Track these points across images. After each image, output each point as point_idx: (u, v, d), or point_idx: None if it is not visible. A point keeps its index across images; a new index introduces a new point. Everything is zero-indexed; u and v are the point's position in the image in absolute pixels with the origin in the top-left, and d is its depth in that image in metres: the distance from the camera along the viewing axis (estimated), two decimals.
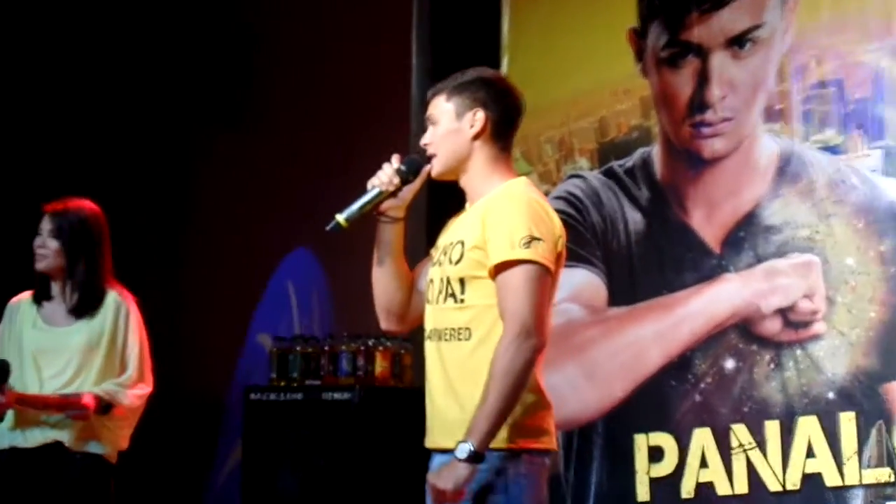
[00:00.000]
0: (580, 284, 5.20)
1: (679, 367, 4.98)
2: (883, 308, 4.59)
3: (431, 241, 3.35)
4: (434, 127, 3.23)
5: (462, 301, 3.12)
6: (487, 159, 3.20)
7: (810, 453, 4.66)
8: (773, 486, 4.73)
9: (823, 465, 4.63)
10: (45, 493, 4.31)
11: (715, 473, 4.86)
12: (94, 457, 4.32)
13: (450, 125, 3.20)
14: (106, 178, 6.57)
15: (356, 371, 5.55)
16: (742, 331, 4.85)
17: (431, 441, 3.18)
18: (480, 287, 3.10)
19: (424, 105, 3.27)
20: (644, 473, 5.04)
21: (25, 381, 4.34)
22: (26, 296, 4.46)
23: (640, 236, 5.19)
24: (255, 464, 5.67)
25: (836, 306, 4.66)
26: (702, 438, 4.91)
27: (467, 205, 3.24)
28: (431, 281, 3.21)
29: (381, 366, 5.53)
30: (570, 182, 5.40)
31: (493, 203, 3.13)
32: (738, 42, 4.91)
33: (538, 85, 5.28)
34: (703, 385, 4.93)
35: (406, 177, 3.23)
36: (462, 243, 3.13)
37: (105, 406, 4.29)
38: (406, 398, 5.02)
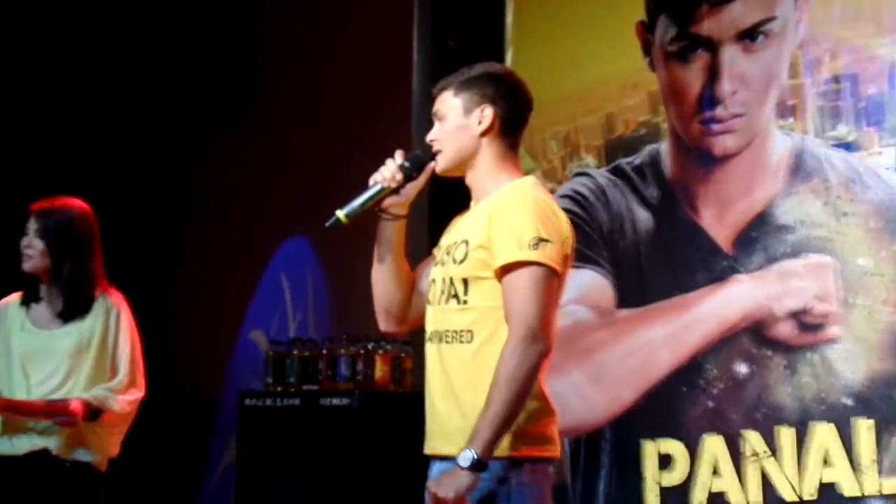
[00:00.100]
0: (587, 286, 5.20)
1: (689, 372, 4.98)
2: None
3: (433, 240, 3.35)
4: (441, 123, 3.23)
5: (465, 302, 3.12)
6: (495, 157, 3.21)
7: (826, 462, 4.66)
8: (788, 495, 4.73)
9: (840, 474, 4.63)
10: (32, 501, 4.30)
11: (727, 482, 4.86)
12: (82, 465, 4.30)
13: (457, 121, 3.21)
14: (101, 177, 6.62)
15: (355, 375, 5.56)
16: (754, 334, 4.86)
17: (431, 447, 3.18)
18: (484, 288, 3.10)
19: (430, 101, 3.27)
20: (653, 482, 5.04)
21: (13, 386, 4.33)
22: (15, 297, 4.46)
23: (648, 236, 5.19)
24: (251, 472, 5.67)
25: (851, 309, 4.66)
26: (713, 446, 4.91)
27: (472, 203, 3.25)
28: (433, 281, 3.21)
29: (380, 370, 5.54)
30: (576, 180, 5.40)
31: (499, 202, 3.13)
32: (749, 35, 4.91)
33: (543, 80, 5.26)
34: (714, 390, 4.94)
35: (409, 173, 3.23)
36: (466, 242, 3.13)
37: (94, 412, 4.27)
38: (407, 403, 5.02)
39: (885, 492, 4.53)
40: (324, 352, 5.68)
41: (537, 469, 3.08)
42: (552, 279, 3.06)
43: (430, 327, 3.22)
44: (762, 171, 4.90)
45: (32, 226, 4.40)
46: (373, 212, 3.23)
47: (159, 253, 7.13)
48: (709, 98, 4.98)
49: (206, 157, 7.03)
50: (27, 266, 4.40)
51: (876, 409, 4.59)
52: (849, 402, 4.63)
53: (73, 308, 4.36)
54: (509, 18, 5.72)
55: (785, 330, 4.81)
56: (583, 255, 5.10)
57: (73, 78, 6.98)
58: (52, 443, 4.29)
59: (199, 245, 7.06)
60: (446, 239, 3.26)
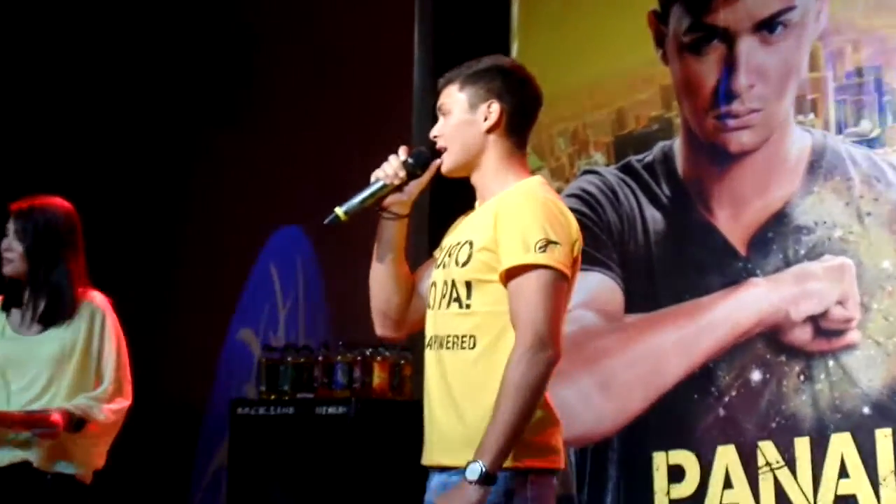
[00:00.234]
0: (595, 289, 5.21)
1: (701, 379, 4.98)
2: None
3: (434, 241, 3.36)
4: (445, 117, 3.24)
5: (468, 306, 3.13)
6: (501, 155, 3.21)
7: (844, 473, 4.65)
8: None
9: (858, 485, 4.62)
10: None
11: (740, 494, 4.86)
12: (65, 477, 4.30)
13: (462, 116, 3.21)
14: (86, 176, 6.67)
15: (352, 383, 5.57)
16: (770, 340, 4.85)
17: (429, 458, 3.18)
18: (488, 292, 3.10)
19: (433, 95, 3.28)
20: (663, 494, 5.04)
21: None
22: None
23: (660, 237, 5.19)
24: (243, 484, 5.68)
25: (871, 313, 4.65)
26: (726, 456, 4.91)
27: (477, 203, 3.25)
28: (434, 284, 3.22)
29: (378, 377, 5.55)
30: (584, 178, 5.41)
31: (506, 202, 3.13)
32: (767, 26, 4.91)
33: (550, 73, 5.24)
34: (727, 399, 4.94)
35: (413, 170, 3.23)
36: (470, 244, 3.14)
37: (77, 422, 4.26)
38: (406, 412, 4.99)
39: None
40: (319, 358, 5.70)
41: (541, 481, 3.08)
42: (561, 283, 3.06)
43: (430, 332, 3.22)
44: (780, 169, 4.90)
45: (11, 227, 4.40)
46: (373, 210, 3.24)
47: (145, 254, 7.19)
48: (724, 92, 4.98)
49: (203, 156, 7.12)
50: (7, 270, 4.40)
51: None
52: (867, 411, 4.62)
53: (56, 313, 4.35)
54: (515, 9, 5.73)
55: (802, 335, 4.80)
56: (591, 257, 5.11)
57: (64, 75, 7.05)
58: (32, 455, 4.28)
59: (187, 244, 7.11)
60: (448, 240, 3.26)
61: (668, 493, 5.04)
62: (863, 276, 4.67)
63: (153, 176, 7.30)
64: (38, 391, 4.33)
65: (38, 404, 4.31)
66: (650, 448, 5.09)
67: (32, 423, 4.25)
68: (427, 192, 3.33)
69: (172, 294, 7.18)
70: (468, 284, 3.13)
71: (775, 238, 4.88)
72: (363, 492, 5.36)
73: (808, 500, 4.72)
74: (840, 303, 4.71)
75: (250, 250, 6.87)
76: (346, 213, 3.19)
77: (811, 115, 4.84)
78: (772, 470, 4.80)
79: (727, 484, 4.90)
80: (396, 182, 3.23)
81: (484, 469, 2.95)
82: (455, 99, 3.22)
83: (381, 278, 3.30)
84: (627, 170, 5.32)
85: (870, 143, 4.71)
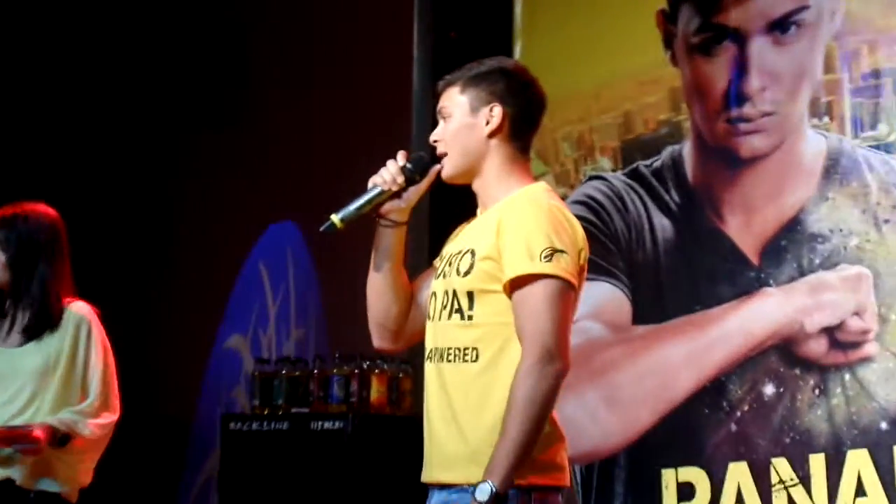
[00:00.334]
0: (601, 300, 5.21)
1: (712, 393, 4.98)
2: None
3: (434, 250, 3.36)
4: (445, 121, 3.23)
5: (470, 318, 3.12)
6: (504, 160, 3.21)
7: (861, 491, 4.65)
8: None
9: (875, 503, 4.62)
10: None
11: None
12: (49, 495, 4.27)
13: (463, 120, 3.21)
14: (69, 182, 6.67)
15: (349, 397, 5.57)
16: (783, 352, 4.85)
17: (429, 475, 3.17)
18: (491, 302, 3.09)
19: (433, 97, 3.28)
20: None
21: None
22: None
23: (669, 245, 5.19)
24: (235, 503, 5.67)
25: (889, 325, 4.66)
26: (738, 474, 4.90)
27: (479, 210, 3.25)
28: (434, 294, 3.21)
29: (376, 391, 5.55)
30: (590, 184, 5.41)
31: (509, 209, 3.13)
32: (779, 26, 4.91)
33: (555, 75, 5.26)
34: (739, 413, 4.93)
35: (412, 176, 3.23)
36: (472, 252, 3.13)
37: (62, 438, 4.24)
38: (405, 427, 5.03)
39: None
40: (315, 371, 5.69)
41: (545, 498, 3.07)
42: (568, 293, 3.05)
43: (430, 344, 3.21)
44: (793, 175, 4.90)
45: None
46: (370, 217, 3.23)
47: (131, 262, 7.21)
48: (736, 94, 4.99)
49: (195, 159, 7.14)
50: None
51: None
52: (885, 426, 4.63)
53: (39, 323, 4.34)
54: (518, 8, 5.74)
55: (817, 348, 4.80)
56: (597, 266, 5.11)
57: (47, 75, 7.07)
58: (15, 472, 4.26)
59: (174, 251, 7.14)
60: (449, 248, 3.25)
61: None
62: (880, 285, 4.68)
63: (139, 181, 7.32)
64: (20, 406, 4.31)
65: (21, 419, 4.29)
66: (659, 465, 5.08)
67: (13, 439, 4.23)
68: (426, 198, 3.33)
69: (160, 302, 7.20)
70: (470, 295, 3.12)
71: (789, 246, 4.88)
72: None
73: None
74: (856, 314, 4.72)
75: (239, 253, 6.89)
76: (341, 220, 3.18)
77: (826, 119, 4.85)
78: (785, 488, 4.79)
79: (739, 502, 4.90)
80: (394, 188, 3.22)
81: (494, 489, 2.95)
82: (456, 102, 3.22)
83: (379, 288, 3.30)
84: (635, 175, 5.32)
85: (887, 147, 4.72)
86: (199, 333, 7.00)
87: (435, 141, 3.25)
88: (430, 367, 3.19)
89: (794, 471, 4.78)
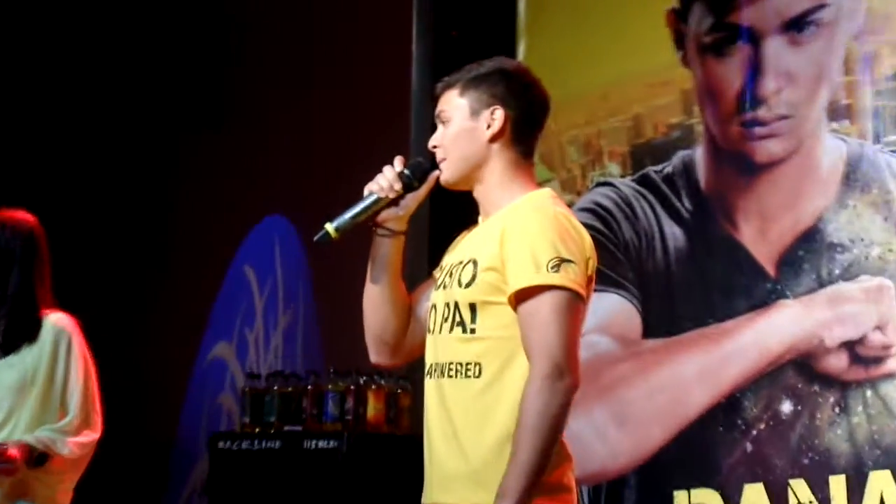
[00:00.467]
0: (610, 312, 5.21)
1: (727, 411, 4.98)
2: None
3: (434, 260, 3.35)
4: (444, 126, 3.23)
5: (472, 331, 3.12)
6: (506, 166, 3.20)
7: None
8: None
9: None
10: None
11: None
12: None
13: (463, 124, 3.20)
14: (55, 189, 6.70)
15: (344, 415, 5.57)
16: (802, 368, 4.85)
17: (429, 497, 3.16)
18: (495, 315, 3.09)
19: (432, 100, 3.27)
20: None
21: None
22: None
23: (680, 255, 5.19)
24: None
25: None
26: (754, 496, 4.90)
27: (480, 218, 3.24)
28: (434, 307, 3.20)
29: (373, 408, 5.55)
30: (598, 191, 5.42)
31: (513, 217, 3.12)
32: (796, 25, 4.92)
33: (560, 76, 5.28)
34: (755, 432, 4.93)
35: (410, 182, 3.22)
36: (474, 263, 3.12)
37: (39, 457, 4.24)
38: (403, 447, 5.02)
39: None
40: (308, 387, 5.70)
41: None
42: (576, 305, 3.05)
43: (430, 359, 3.20)
44: (811, 181, 4.90)
45: None
46: (367, 226, 3.22)
47: (114, 270, 7.23)
48: (750, 97, 4.99)
49: (184, 162, 7.16)
50: None
51: None
52: None
53: (17, 336, 4.33)
54: (521, 5, 5.74)
55: (837, 363, 4.80)
56: (605, 276, 5.11)
57: (28, 76, 7.09)
58: None
59: (157, 259, 7.17)
60: (450, 259, 3.24)
61: None
62: None
63: (126, 186, 7.34)
64: None
65: None
66: (671, 486, 5.08)
67: None
68: (425, 206, 3.32)
69: (143, 313, 7.22)
70: (472, 307, 3.11)
71: (807, 257, 4.89)
72: None
73: None
74: (878, 328, 4.72)
75: (227, 253, 6.92)
76: (336, 229, 3.18)
77: (845, 123, 4.85)
78: None
79: None
80: (392, 195, 3.22)
81: None
82: (455, 105, 3.22)
83: (376, 301, 3.29)
84: (645, 182, 5.32)
85: None
86: (184, 344, 7.02)
87: (434, 146, 3.24)
88: (430, 384, 3.18)
89: (814, 493, 4.78)
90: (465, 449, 3.08)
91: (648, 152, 5.35)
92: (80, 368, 4.35)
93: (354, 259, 3.48)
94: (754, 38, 5.00)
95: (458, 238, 3.29)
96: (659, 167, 5.30)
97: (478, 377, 3.10)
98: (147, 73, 7.32)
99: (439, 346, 3.17)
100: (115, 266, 7.30)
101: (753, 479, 4.90)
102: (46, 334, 4.35)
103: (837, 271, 4.81)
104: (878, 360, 4.71)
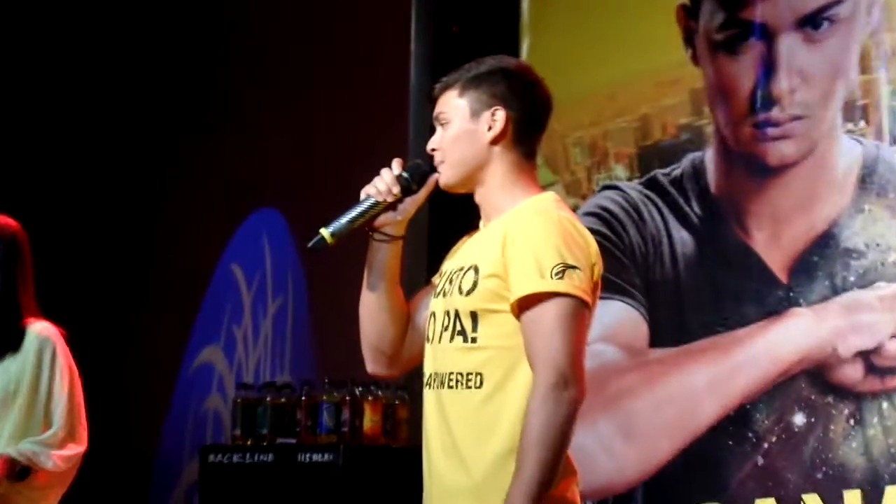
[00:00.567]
0: (616, 321, 5.22)
1: (737, 423, 4.98)
2: None
3: (433, 266, 3.35)
4: (443, 128, 3.23)
5: (473, 340, 3.11)
6: (508, 168, 3.20)
7: None
8: None
9: None
10: None
11: None
12: None
13: (463, 126, 3.20)
14: (36, 193, 6.71)
15: (340, 427, 5.57)
16: (815, 378, 4.85)
17: None
18: (497, 323, 3.09)
19: (430, 101, 3.26)
20: None
21: None
22: None
23: (689, 261, 5.19)
24: None
25: None
26: None
27: (481, 223, 3.24)
28: (433, 315, 3.20)
29: (370, 420, 5.54)
30: (603, 195, 5.42)
31: (515, 222, 3.12)
32: (811, 21, 4.92)
33: (565, 75, 5.29)
34: (766, 445, 4.93)
35: (409, 186, 3.22)
36: (475, 269, 3.12)
37: (21, 471, 4.25)
38: (401, 460, 5.03)
39: None
40: (302, 398, 5.69)
41: None
42: (581, 312, 3.05)
43: (429, 369, 3.20)
44: (826, 184, 4.90)
45: None
46: (363, 231, 3.22)
47: (98, 278, 7.24)
48: (763, 97, 4.99)
49: (172, 164, 7.19)
50: None
51: None
52: None
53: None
54: (524, 2, 5.73)
55: (852, 373, 4.80)
56: (611, 283, 5.11)
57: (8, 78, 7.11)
58: None
59: (144, 265, 7.18)
60: (450, 265, 3.24)
61: None
62: None
63: (106, 191, 7.35)
64: None
65: None
66: (679, 501, 5.10)
67: None
68: (424, 210, 3.32)
69: (130, 320, 7.22)
70: (473, 315, 3.11)
71: (821, 263, 4.89)
72: None
73: None
74: (895, 336, 4.69)
75: (214, 253, 6.94)
76: (332, 234, 3.18)
77: (862, 123, 4.85)
78: None
79: None
80: (389, 199, 3.22)
81: None
82: (454, 106, 3.22)
83: (373, 309, 3.29)
84: (653, 185, 5.32)
85: None
86: (170, 350, 7.04)
87: (432, 149, 3.24)
88: (429, 394, 3.18)
89: None
90: (466, 462, 3.08)
91: (656, 154, 5.35)
92: (64, 379, 4.35)
93: (350, 265, 3.48)
94: (768, 35, 5.00)
95: (459, 243, 3.29)
96: (667, 170, 5.29)
97: (479, 388, 3.09)
98: (137, 73, 7.33)
99: (439, 356, 3.17)
100: (98, 272, 7.31)
101: (765, 494, 4.90)
102: (30, 344, 4.35)
103: (852, 278, 4.81)
104: (895, 371, 4.71)
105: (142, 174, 7.34)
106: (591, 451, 5.10)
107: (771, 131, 4.99)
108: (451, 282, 3.18)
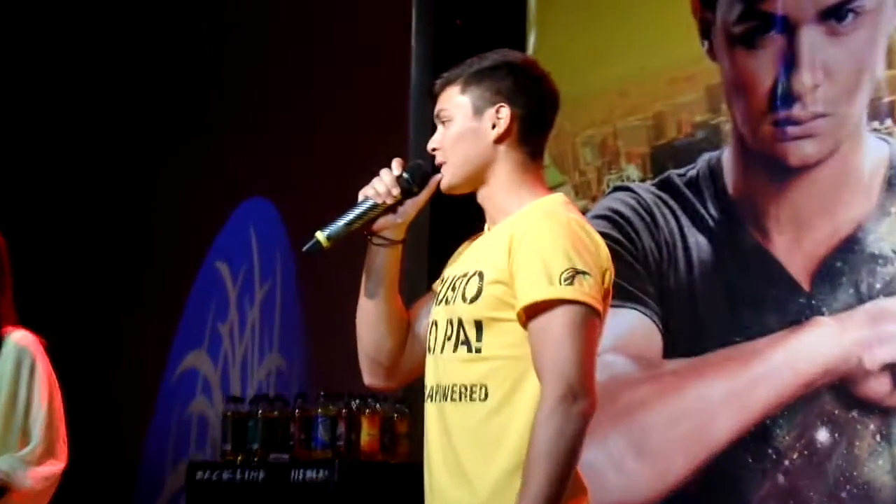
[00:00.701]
0: (628, 330, 5.22)
1: (757, 439, 4.98)
2: None
3: (434, 272, 3.34)
4: (445, 126, 3.22)
5: (478, 350, 3.11)
6: (513, 168, 3.20)
7: None
8: None
9: None
10: None
11: None
12: None
13: (466, 124, 3.20)
14: (15, 199, 6.71)
15: (335, 442, 5.57)
16: (839, 392, 4.85)
17: None
18: (503, 332, 3.08)
19: (432, 98, 3.26)
20: None
21: None
22: None
23: (705, 267, 5.20)
24: None
25: None
26: None
27: (486, 226, 3.24)
28: (435, 324, 3.20)
29: (367, 435, 5.55)
30: (614, 196, 5.43)
31: (522, 225, 3.11)
32: (835, 13, 4.93)
33: (574, 70, 5.30)
34: (787, 463, 4.94)
35: (409, 187, 3.22)
36: (480, 275, 3.11)
37: None
38: (400, 477, 5.03)
39: None
40: (296, 411, 5.69)
41: None
42: (592, 320, 3.04)
43: (430, 381, 3.19)
44: (850, 186, 4.91)
45: None
46: (361, 234, 3.22)
47: (80, 286, 7.24)
48: (784, 93, 5.00)
49: (161, 165, 7.20)
50: None
51: None
52: None
53: None
54: None
55: (878, 387, 4.80)
56: (624, 291, 5.12)
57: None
58: None
59: (127, 270, 7.18)
60: (452, 270, 3.24)
61: None
62: None
63: (89, 197, 7.37)
64: None
65: None
66: None
67: None
68: (426, 212, 3.32)
69: (111, 329, 7.24)
70: (478, 324, 3.10)
71: (845, 269, 4.89)
72: None
73: None
74: None
75: (198, 254, 6.96)
76: (328, 238, 3.18)
77: (888, 122, 4.87)
78: None
79: None
80: (389, 201, 3.21)
81: None
82: (456, 103, 3.21)
83: (371, 317, 3.29)
84: (667, 186, 5.33)
85: None
86: (155, 358, 7.06)
87: (434, 149, 3.24)
88: (430, 408, 3.18)
89: None
90: (470, 479, 3.07)
91: (671, 154, 5.35)
92: (44, 392, 4.35)
93: (347, 271, 3.48)
94: (789, 28, 5.01)
95: (462, 248, 3.29)
96: (682, 170, 5.30)
97: (484, 401, 3.09)
98: (133, 75, 7.35)
99: (441, 367, 3.16)
100: (80, 278, 7.33)
101: None
102: (8, 354, 4.35)
103: (878, 285, 4.81)
104: None
105: (127, 174, 7.35)
106: (601, 467, 5.10)
107: (792, 130, 5.00)
108: (453, 289, 3.17)
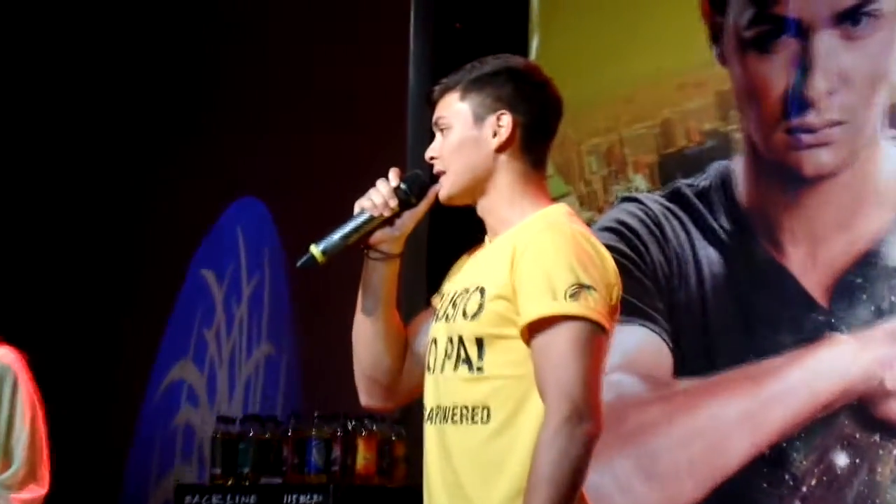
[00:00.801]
0: (636, 347, 5.22)
1: (772, 463, 4.98)
2: None
3: (433, 286, 3.35)
4: (444, 134, 3.23)
5: (479, 369, 3.11)
6: (515, 178, 3.20)
7: None
8: None
9: None
10: None
11: None
12: None
13: (465, 132, 3.20)
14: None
15: (330, 465, 5.57)
16: (859, 414, 4.86)
17: None
18: (505, 350, 3.08)
19: (430, 104, 3.26)
20: None
21: None
22: None
23: (717, 282, 5.20)
24: None
25: None
26: None
27: (487, 239, 3.24)
28: (434, 341, 3.20)
29: (363, 458, 5.55)
30: (622, 208, 5.43)
31: (524, 238, 3.11)
32: (850, 17, 4.94)
33: (579, 76, 5.30)
34: (805, 489, 4.94)
35: (407, 198, 3.22)
36: (481, 291, 3.12)
37: None
38: (398, 501, 5.02)
39: None
40: (289, 433, 5.68)
41: None
42: (598, 338, 3.04)
43: (430, 402, 3.20)
44: (868, 197, 4.91)
45: None
46: (357, 248, 3.22)
47: (63, 300, 7.23)
48: (797, 100, 5.01)
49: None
50: None
51: None
52: None
53: None
54: None
55: None
56: (631, 306, 5.12)
57: None
58: None
59: (111, 280, 7.19)
60: (452, 285, 3.24)
61: None
62: None
63: (75, 207, 7.37)
64: None
65: None
66: None
67: None
68: (424, 225, 3.32)
69: (95, 342, 7.24)
70: (479, 342, 3.10)
71: (863, 284, 4.90)
72: None
73: None
74: None
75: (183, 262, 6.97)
76: (323, 252, 3.18)
77: None
78: None
79: None
80: (386, 213, 3.22)
81: None
82: (455, 111, 3.22)
83: (367, 335, 3.29)
84: (676, 197, 5.33)
85: None
86: (140, 372, 7.07)
87: (432, 158, 3.24)
88: (430, 430, 3.18)
89: None
90: (472, 503, 3.07)
91: (679, 163, 5.36)
92: (26, 413, 4.35)
93: (341, 285, 3.48)
94: (802, 32, 5.02)
95: (461, 261, 3.29)
96: (692, 180, 5.30)
97: (486, 422, 3.09)
98: (126, 77, 7.37)
99: (441, 387, 3.17)
100: (63, 290, 7.32)
101: None
102: None
103: None
104: None
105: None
106: (607, 491, 5.10)
107: (806, 138, 5.00)
108: (454, 305, 3.17)
